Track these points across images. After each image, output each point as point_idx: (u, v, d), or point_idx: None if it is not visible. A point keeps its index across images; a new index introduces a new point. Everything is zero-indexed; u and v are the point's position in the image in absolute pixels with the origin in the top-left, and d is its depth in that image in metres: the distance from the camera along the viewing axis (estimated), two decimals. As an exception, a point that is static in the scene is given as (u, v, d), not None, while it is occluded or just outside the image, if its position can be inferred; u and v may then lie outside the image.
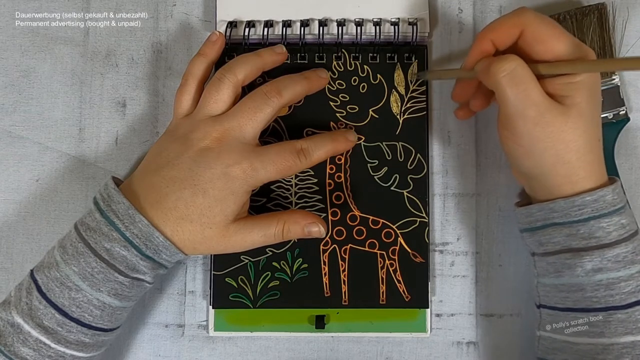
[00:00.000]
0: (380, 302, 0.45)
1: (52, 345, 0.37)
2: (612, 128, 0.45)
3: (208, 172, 0.39)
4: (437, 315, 0.46)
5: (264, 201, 0.45)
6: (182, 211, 0.39)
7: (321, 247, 0.45)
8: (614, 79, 0.45)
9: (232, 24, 0.45)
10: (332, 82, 0.46)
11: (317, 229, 0.42)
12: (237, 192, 0.39)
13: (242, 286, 0.45)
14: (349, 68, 0.46)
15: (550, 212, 0.39)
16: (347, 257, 0.45)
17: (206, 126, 0.40)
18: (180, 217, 0.39)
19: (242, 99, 0.41)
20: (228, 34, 0.45)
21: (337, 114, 0.46)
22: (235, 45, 0.46)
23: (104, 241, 0.38)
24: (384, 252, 0.45)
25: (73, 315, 0.38)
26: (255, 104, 0.40)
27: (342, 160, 0.46)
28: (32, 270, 0.39)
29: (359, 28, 0.45)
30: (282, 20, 0.46)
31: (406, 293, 0.45)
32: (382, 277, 0.45)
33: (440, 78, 0.47)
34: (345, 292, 0.45)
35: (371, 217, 0.45)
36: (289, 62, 0.46)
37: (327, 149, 0.42)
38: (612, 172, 0.45)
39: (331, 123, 0.46)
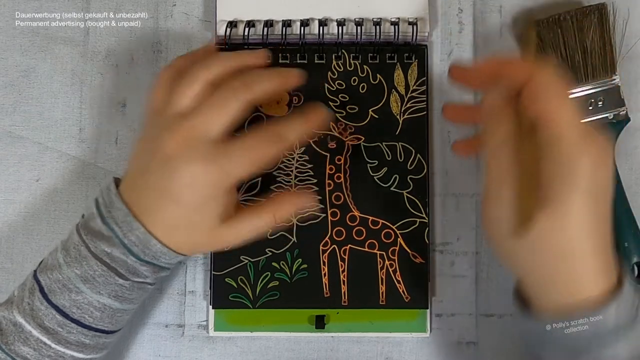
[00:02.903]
0: (380, 303, 0.45)
1: (53, 345, 0.38)
2: (612, 128, 0.45)
3: (177, 181, 0.37)
4: (437, 315, 0.46)
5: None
6: (166, 221, 0.38)
7: (321, 247, 0.45)
8: (615, 79, 0.45)
9: (232, 24, 0.45)
10: (332, 82, 0.46)
11: (308, 201, 0.40)
12: (214, 196, 0.37)
13: (241, 286, 0.45)
14: (348, 68, 0.46)
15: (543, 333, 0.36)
16: (346, 257, 0.45)
17: (171, 126, 0.37)
18: (168, 226, 0.38)
19: (208, 95, 0.38)
20: (228, 34, 0.45)
21: (337, 114, 0.46)
22: (236, 45, 0.46)
23: (105, 246, 0.38)
24: (384, 253, 0.45)
25: (73, 317, 0.38)
26: (221, 100, 0.37)
27: (342, 161, 0.46)
28: (35, 271, 0.39)
29: (359, 28, 0.45)
30: (282, 20, 0.46)
31: (406, 293, 0.45)
32: (381, 277, 0.45)
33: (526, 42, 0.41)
34: (345, 292, 0.45)
35: (371, 218, 0.45)
36: (288, 62, 0.46)
37: (300, 128, 0.39)
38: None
39: (331, 123, 0.46)
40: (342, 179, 0.45)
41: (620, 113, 0.45)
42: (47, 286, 0.38)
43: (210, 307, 0.45)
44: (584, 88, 0.45)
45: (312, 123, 0.40)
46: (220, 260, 0.45)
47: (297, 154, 0.46)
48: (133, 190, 0.39)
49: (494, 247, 0.36)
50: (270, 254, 0.45)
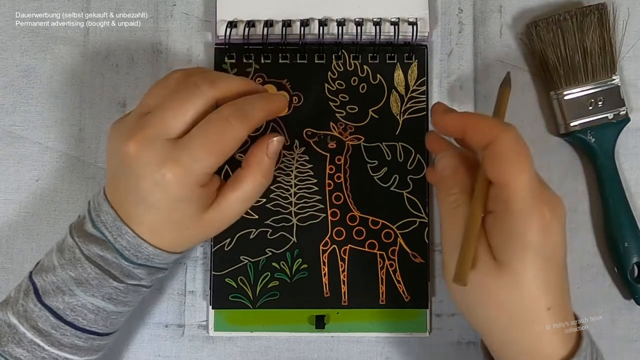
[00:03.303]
0: (380, 303, 0.45)
1: (46, 347, 0.37)
2: (612, 128, 0.45)
3: (143, 184, 0.35)
4: (437, 315, 0.46)
5: (264, 202, 0.45)
6: (148, 224, 0.37)
7: (321, 247, 0.45)
8: (615, 79, 0.45)
9: (232, 24, 0.45)
10: (332, 82, 0.46)
11: (275, 140, 0.38)
12: (184, 194, 0.36)
13: (241, 286, 0.45)
14: (348, 68, 0.46)
15: None
16: (346, 257, 0.45)
17: (130, 129, 0.36)
18: (152, 229, 0.37)
19: (169, 93, 0.37)
20: (228, 34, 0.45)
21: (337, 114, 0.46)
22: (236, 45, 0.46)
23: (97, 249, 0.37)
24: (384, 253, 0.45)
25: (67, 319, 0.38)
26: (181, 95, 0.36)
27: (342, 161, 0.46)
28: (31, 272, 0.39)
29: (359, 28, 0.45)
30: (282, 20, 0.46)
31: (406, 293, 0.45)
32: (381, 277, 0.45)
33: (500, 100, 0.39)
34: (345, 292, 0.45)
35: (371, 218, 0.45)
36: (288, 62, 0.46)
37: (262, 107, 0.37)
38: (612, 172, 0.45)
39: (331, 123, 0.46)
40: (342, 179, 0.45)
41: (620, 113, 0.45)
42: (42, 288, 0.38)
43: (210, 307, 0.45)
44: (584, 88, 0.45)
45: (276, 103, 0.38)
46: (220, 261, 0.45)
47: (297, 154, 0.46)
48: (114, 194, 0.38)
49: (452, 297, 0.37)
50: (270, 254, 0.45)
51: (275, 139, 0.39)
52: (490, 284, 0.33)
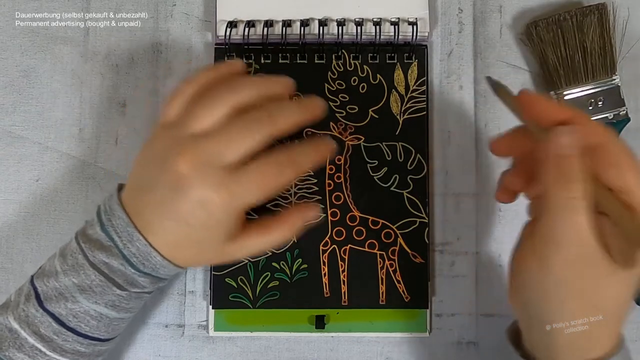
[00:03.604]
0: (380, 303, 0.45)
1: (48, 352, 0.37)
2: (612, 128, 0.45)
3: (186, 204, 0.36)
4: (437, 315, 0.46)
5: (264, 202, 0.45)
6: (172, 240, 0.37)
7: (321, 247, 0.45)
8: (615, 79, 0.45)
9: (232, 24, 0.45)
10: (332, 82, 0.46)
11: (311, 213, 0.39)
12: (222, 219, 0.37)
13: (241, 286, 0.45)
14: (348, 68, 0.46)
15: None
16: (346, 257, 0.45)
17: (187, 146, 0.36)
18: (173, 245, 0.37)
19: (229, 121, 0.37)
20: (228, 34, 0.45)
21: (337, 114, 0.46)
22: (236, 45, 0.46)
23: (103, 256, 0.37)
24: (384, 253, 0.45)
25: (69, 325, 0.37)
26: (244, 130, 0.36)
27: (342, 161, 0.46)
28: (32, 277, 0.39)
29: (359, 28, 0.45)
30: (282, 20, 0.46)
31: (406, 293, 0.45)
32: (381, 277, 0.45)
33: (506, 103, 0.36)
34: (345, 292, 0.45)
35: (371, 218, 0.45)
36: (288, 62, 0.46)
37: (312, 158, 0.38)
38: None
39: (331, 123, 0.46)
40: (342, 179, 0.45)
41: (620, 113, 0.45)
42: (44, 293, 0.38)
43: (210, 307, 0.45)
44: (584, 88, 0.45)
45: (324, 152, 0.39)
46: (220, 260, 0.45)
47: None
48: (136, 202, 0.38)
49: (518, 279, 0.35)
50: (270, 254, 0.45)
51: (315, 215, 0.40)
52: (602, 281, 0.33)
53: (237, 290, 0.45)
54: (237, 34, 0.45)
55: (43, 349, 0.37)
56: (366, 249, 0.45)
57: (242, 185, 0.36)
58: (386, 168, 0.46)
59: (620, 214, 0.32)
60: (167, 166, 0.36)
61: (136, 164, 0.39)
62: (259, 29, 0.46)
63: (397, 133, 0.46)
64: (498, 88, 0.36)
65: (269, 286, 0.45)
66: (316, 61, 0.46)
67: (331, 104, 0.46)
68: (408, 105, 0.46)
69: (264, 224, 0.39)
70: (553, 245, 0.32)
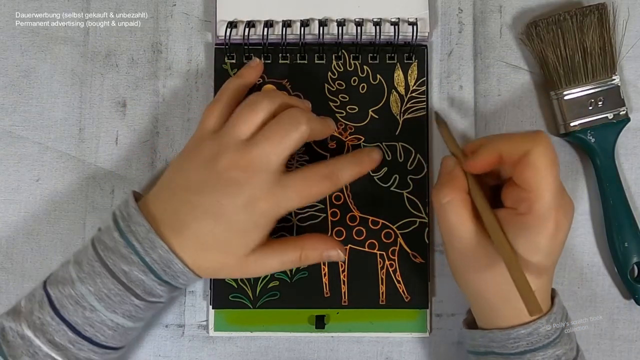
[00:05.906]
0: (380, 303, 0.45)
1: None
2: (612, 128, 0.45)
3: (232, 204, 0.37)
4: (437, 315, 0.46)
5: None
6: (203, 241, 0.38)
7: (321, 247, 0.45)
8: (615, 79, 0.45)
9: (232, 24, 0.45)
10: (332, 82, 0.46)
11: (335, 253, 0.41)
12: (261, 224, 0.39)
13: (241, 286, 0.45)
14: (348, 68, 0.46)
15: (489, 341, 0.39)
16: (346, 257, 0.45)
17: (233, 153, 0.38)
18: (201, 247, 0.38)
19: (268, 123, 0.39)
20: (228, 34, 0.45)
21: (337, 115, 0.46)
22: (236, 45, 0.46)
23: (122, 263, 0.37)
24: (384, 253, 0.45)
25: (86, 334, 0.37)
26: (283, 131, 0.38)
27: (342, 161, 0.46)
28: (45, 283, 0.39)
29: (359, 28, 0.45)
30: (282, 20, 0.46)
31: (406, 293, 0.45)
32: (381, 277, 0.45)
33: (443, 137, 0.44)
34: (345, 292, 0.45)
35: (371, 218, 0.45)
36: (288, 62, 0.46)
37: (353, 172, 0.41)
38: (612, 172, 0.45)
39: (331, 123, 0.46)
40: (342, 179, 0.45)
41: (620, 113, 0.45)
42: (58, 300, 0.38)
43: (210, 307, 0.45)
44: (584, 88, 0.45)
45: (367, 166, 0.42)
46: (220, 260, 0.45)
47: (297, 154, 0.46)
48: (160, 206, 0.39)
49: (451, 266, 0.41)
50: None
51: (337, 252, 0.41)
52: (485, 269, 0.38)
53: (237, 290, 0.45)
54: (237, 34, 0.45)
55: (57, 358, 0.37)
56: (366, 249, 0.45)
57: (287, 192, 0.38)
58: (386, 168, 0.46)
59: (522, 208, 0.37)
60: (218, 169, 0.38)
61: (173, 168, 0.41)
62: (259, 29, 0.46)
63: (397, 133, 0.46)
64: (440, 123, 0.44)
65: (269, 286, 0.45)
66: (316, 61, 0.46)
67: (331, 104, 0.46)
68: (408, 106, 0.46)
69: (285, 243, 0.41)
70: (445, 241, 0.40)
